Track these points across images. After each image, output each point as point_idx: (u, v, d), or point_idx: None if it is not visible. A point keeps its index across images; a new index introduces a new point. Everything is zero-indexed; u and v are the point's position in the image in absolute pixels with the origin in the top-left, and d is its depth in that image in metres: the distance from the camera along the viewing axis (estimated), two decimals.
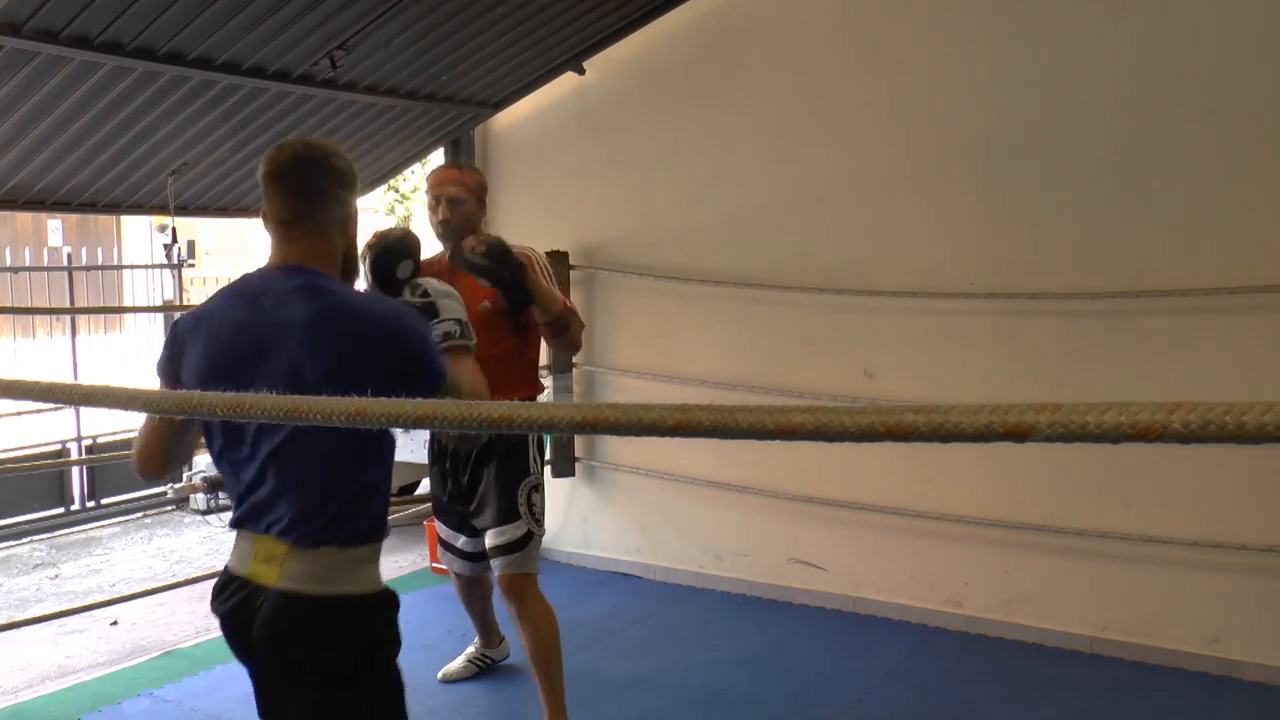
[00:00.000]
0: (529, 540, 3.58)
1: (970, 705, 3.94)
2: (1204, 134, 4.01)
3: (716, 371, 5.07)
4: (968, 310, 4.47)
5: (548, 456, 5.53)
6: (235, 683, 4.17)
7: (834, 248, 4.78)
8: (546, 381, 5.45)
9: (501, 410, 0.85)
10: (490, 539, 3.59)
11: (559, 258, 5.39)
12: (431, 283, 2.42)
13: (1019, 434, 0.69)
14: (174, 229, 7.23)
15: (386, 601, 2.13)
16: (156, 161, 4.71)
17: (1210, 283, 3.98)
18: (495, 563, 3.60)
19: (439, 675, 4.16)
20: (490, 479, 3.62)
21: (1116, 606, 4.25)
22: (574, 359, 5.47)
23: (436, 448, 3.79)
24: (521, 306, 3.42)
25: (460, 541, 3.84)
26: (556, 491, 5.62)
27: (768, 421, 0.75)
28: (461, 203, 3.66)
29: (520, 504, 3.59)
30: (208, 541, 6.72)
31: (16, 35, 3.56)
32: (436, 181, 3.71)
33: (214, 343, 2.07)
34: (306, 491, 2.03)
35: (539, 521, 3.64)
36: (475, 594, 4.06)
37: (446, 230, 3.67)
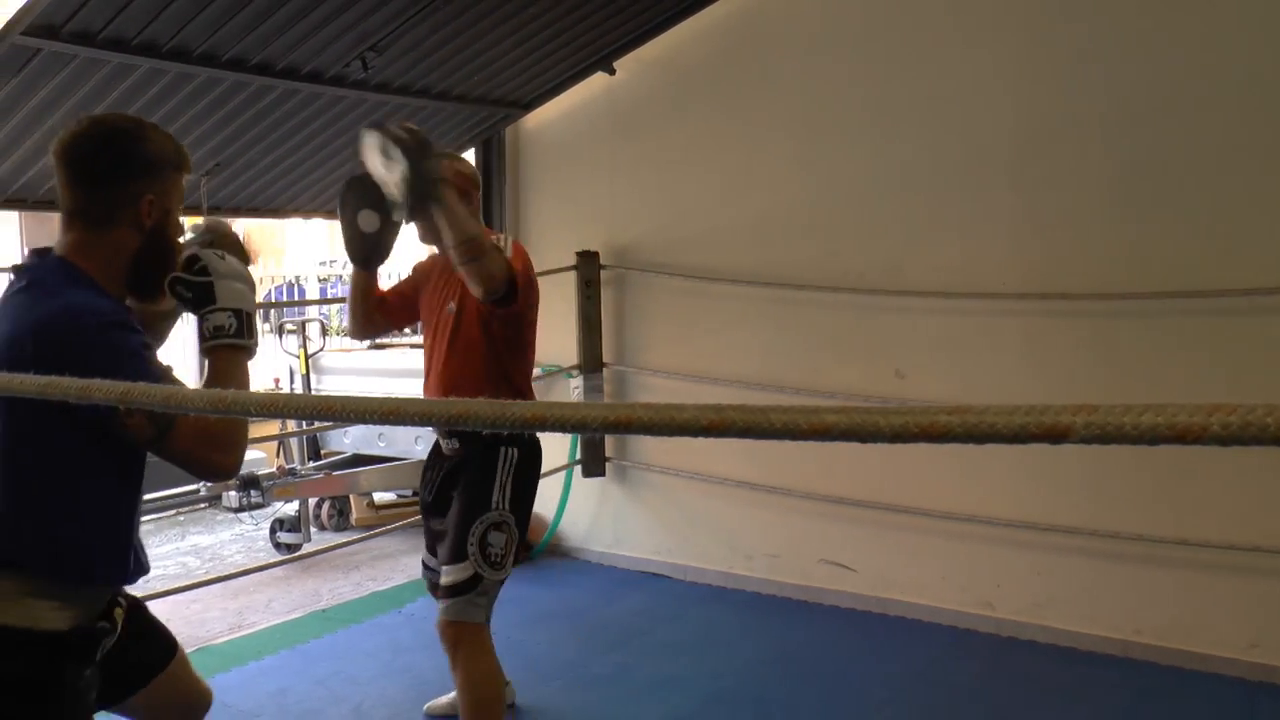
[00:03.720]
0: (474, 584, 3.13)
1: (1001, 708, 3.91)
2: (1236, 133, 3.97)
3: (746, 371, 5.06)
4: (998, 310, 4.44)
5: (585, 464, 5.54)
6: (267, 679, 4.21)
7: (864, 247, 4.76)
8: (540, 385, 5.47)
9: (534, 410, 0.85)
10: (441, 576, 3.23)
11: (589, 257, 5.40)
12: (217, 257, 1.95)
13: (1055, 435, 0.69)
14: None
15: (27, 641, 1.81)
16: (191, 162, 4.75)
17: (1246, 283, 3.93)
18: (439, 604, 3.21)
19: (425, 707, 3.88)
20: (452, 508, 3.27)
21: (1150, 610, 4.21)
22: (604, 359, 5.47)
23: (430, 455, 3.50)
24: (418, 202, 2.87)
25: (431, 563, 3.51)
26: (587, 491, 5.64)
27: (801, 422, 0.75)
28: None
29: (470, 542, 3.15)
30: (240, 539, 6.77)
31: (55, 38, 3.60)
32: None
33: None
34: (12, 507, 1.82)
35: (494, 565, 3.16)
36: None
37: (425, 227, 3.28)
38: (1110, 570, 4.29)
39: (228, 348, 1.90)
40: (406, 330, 3.49)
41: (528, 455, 3.30)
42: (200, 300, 1.90)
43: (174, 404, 1.19)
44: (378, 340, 9.77)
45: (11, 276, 1.92)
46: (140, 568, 2.02)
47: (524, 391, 3.38)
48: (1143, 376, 4.14)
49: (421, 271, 3.55)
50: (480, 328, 3.22)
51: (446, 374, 3.28)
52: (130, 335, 1.84)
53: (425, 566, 3.60)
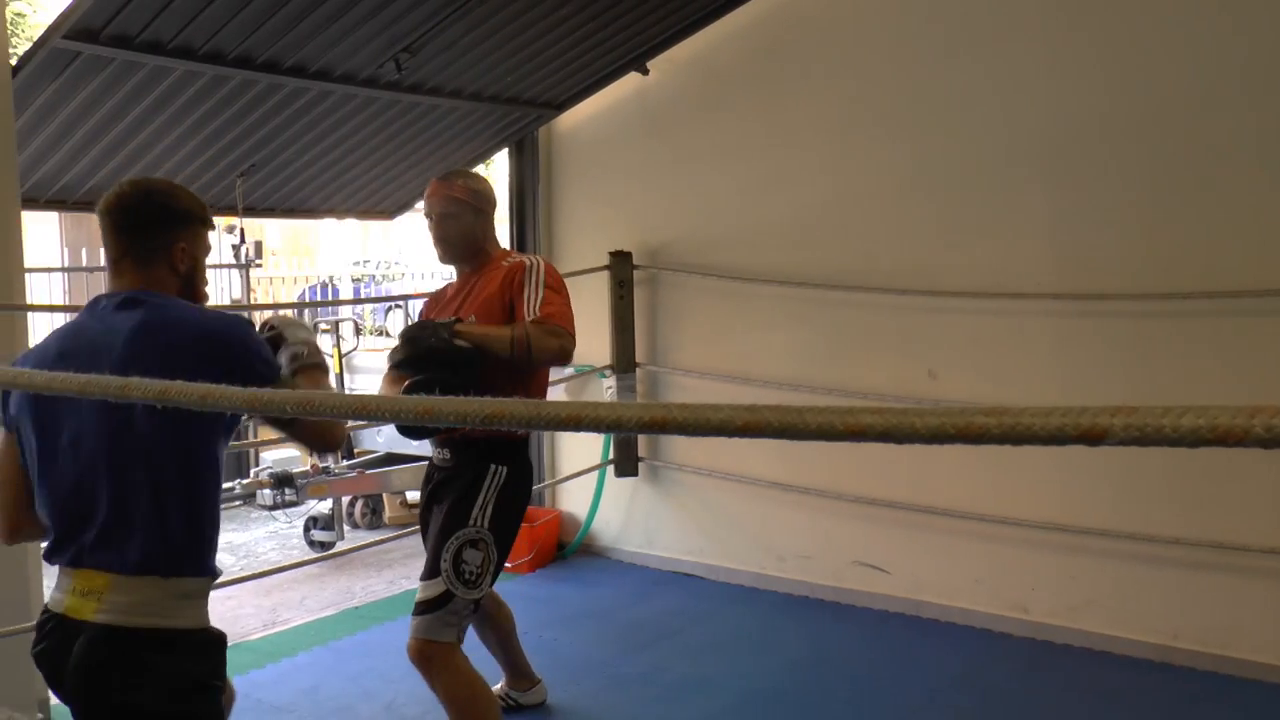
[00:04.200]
0: (446, 602, 3.08)
1: (1036, 712, 3.88)
2: (1273, 132, 3.92)
3: (778, 372, 5.05)
4: (1033, 311, 4.41)
5: (614, 469, 5.54)
6: (301, 675, 4.24)
7: (897, 247, 4.73)
8: (574, 385, 5.48)
9: (569, 409, 0.85)
10: (418, 591, 3.18)
11: (622, 258, 5.40)
12: (277, 318, 2.44)
13: (1092, 437, 0.68)
14: (242, 229, 7.36)
15: (207, 640, 2.06)
16: (225, 163, 4.80)
17: None
18: (410, 621, 3.15)
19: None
20: (433, 522, 3.25)
21: (1188, 615, 4.16)
22: (637, 359, 5.47)
23: (428, 465, 3.46)
24: (472, 363, 3.04)
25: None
26: (619, 491, 5.64)
27: (837, 422, 0.74)
28: (453, 217, 3.29)
29: (444, 559, 3.10)
30: (274, 537, 6.83)
31: (93, 42, 3.64)
32: (425, 197, 3.38)
33: (38, 368, 2.05)
34: (133, 518, 1.98)
35: (469, 583, 3.09)
36: (486, 629, 3.70)
37: (446, 249, 3.35)
38: (1147, 574, 4.24)
39: (309, 367, 2.29)
40: None
41: (516, 474, 3.25)
42: (275, 346, 2.29)
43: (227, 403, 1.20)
44: None
45: (105, 304, 2.14)
46: None
47: (542, 390, 3.41)
48: (1178, 378, 4.09)
49: (434, 300, 3.54)
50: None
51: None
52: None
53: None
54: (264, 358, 2.13)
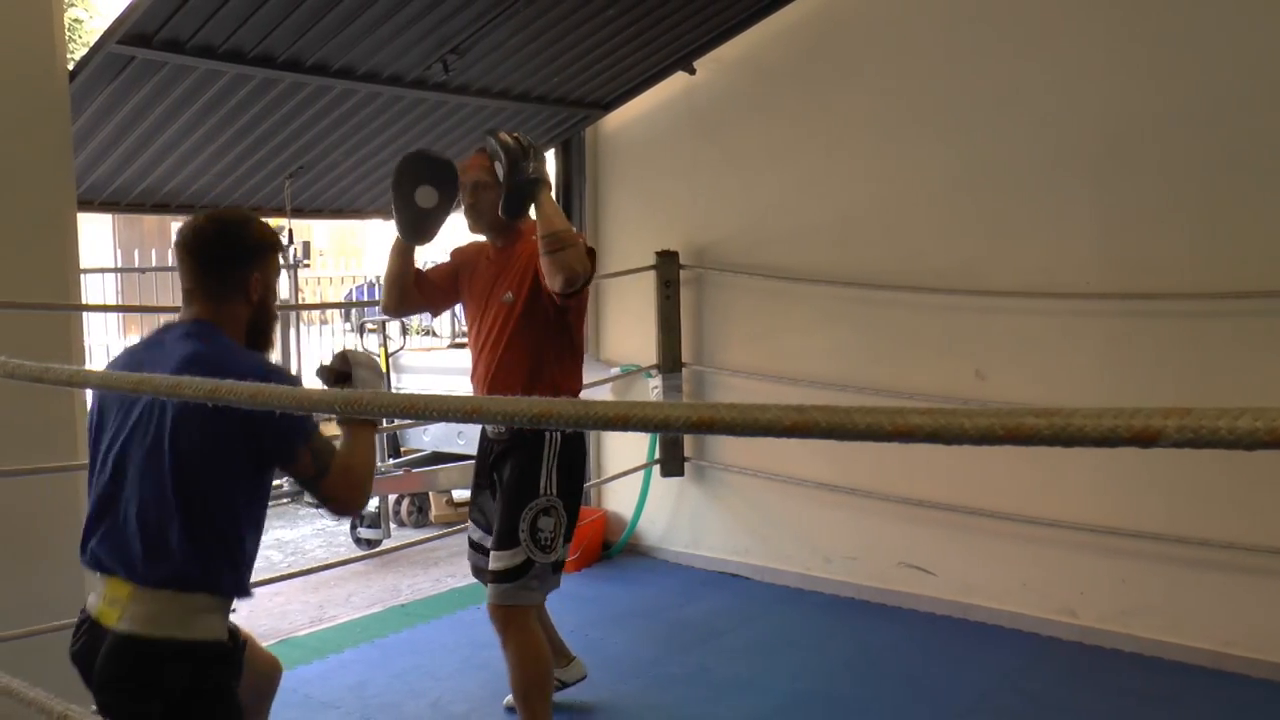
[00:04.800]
0: (527, 569, 3.25)
1: (1084, 717, 3.83)
2: None
3: (824, 372, 5.03)
4: (1082, 311, 4.35)
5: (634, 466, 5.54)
6: (347, 671, 4.28)
7: (945, 247, 4.69)
8: (620, 384, 5.48)
9: (617, 409, 0.85)
10: (489, 561, 3.34)
11: (669, 258, 5.40)
12: (359, 354, 2.45)
13: (1145, 439, 0.67)
14: (290, 230, 7.43)
15: (221, 652, 2.13)
16: (274, 165, 4.85)
17: None
18: (489, 588, 3.32)
19: (504, 702, 3.88)
20: (500, 495, 3.39)
21: (1243, 621, 4.08)
22: (683, 359, 5.47)
23: (480, 440, 3.58)
24: (517, 206, 3.21)
25: (477, 539, 3.60)
26: (665, 491, 5.64)
27: (885, 423, 0.74)
28: (487, 187, 3.38)
29: (521, 529, 3.26)
30: (321, 534, 6.89)
31: (147, 46, 3.70)
32: (462, 170, 3.46)
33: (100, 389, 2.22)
34: (161, 536, 2.06)
35: (545, 548, 3.28)
36: None
37: (474, 216, 3.44)
38: (1199, 579, 4.17)
39: (360, 422, 2.28)
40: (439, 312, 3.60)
41: (572, 439, 3.37)
42: (340, 384, 2.35)
43: (306, 405, 1.21)
44: (457, 340, 9.86)
45: (172, 333, 2.26)
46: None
47: (575, 375, 3.49)
48: (1230, 379, 4.02)
49: (464, 259, 3.60)
50: (537, 318, 3.31)
51: (499, 362, 3.36)
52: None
53: (471, 547, 3.65)
54: (292, 418, 2.10)
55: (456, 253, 3.67)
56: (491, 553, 3.33)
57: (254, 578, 2.68)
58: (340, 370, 2.38)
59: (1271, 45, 3.95)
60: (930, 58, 4.70)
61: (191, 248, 2.24)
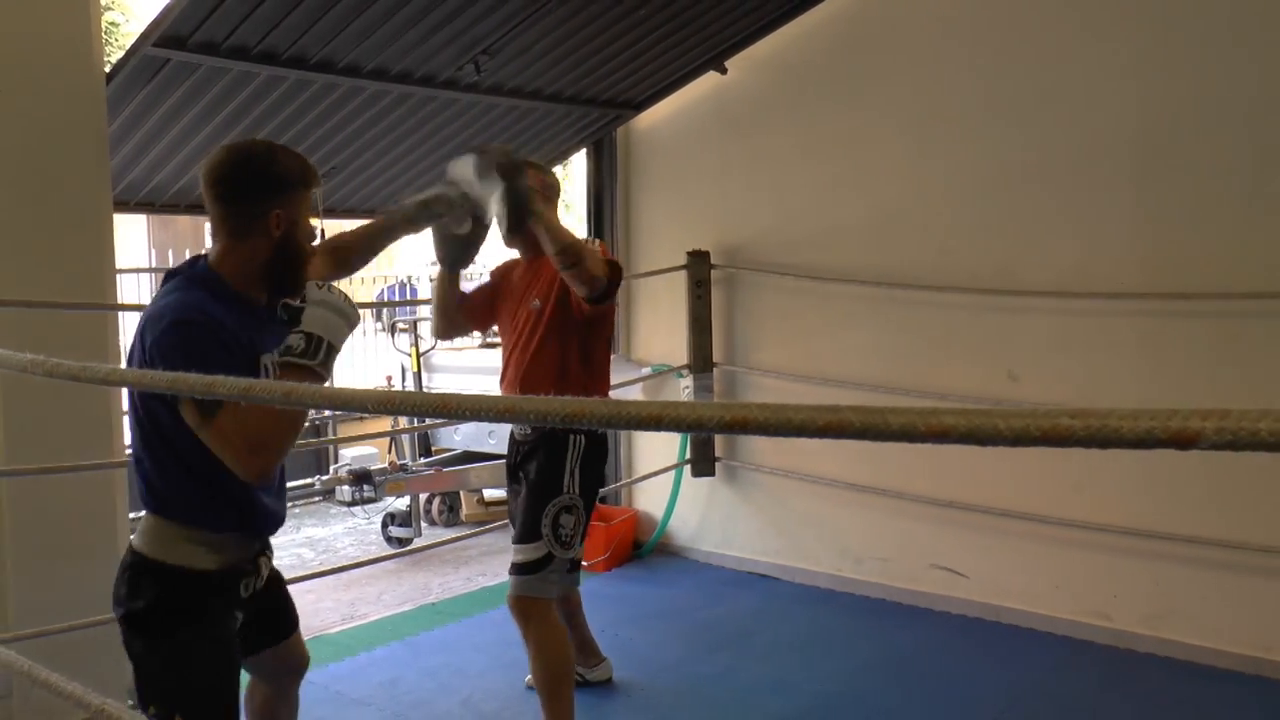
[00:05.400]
0: (548, 563, 3.37)
1: None
2: None
3: (856, 372, 5.01)
4: (1116, 311, 4.31)
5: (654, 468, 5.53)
6: (378, 669, 4.30)
7: (977, 246, 4.66)
8: (651, 384, 5.48)
9: (650, 409, 0.85)
10: (512, 555, 3.46)
11: (700, 257, 5.40)
12: (318, 288, 2.15)
13: (1183, 440, 0.66)
14: (323, 231, 7.46)
15: (182, 575, 2.20)
16: None
17: None
18: (510, 580, 3.44)
19: (525, 680, 3.99)
20: (523, 492, 3.50)
21: (1279, 627, 4.03)
22: (714, 359, 5.46)
23: (510, 444, 3.65)
24: (519, 222, 3.03)
25: None
26: (695, 491, 5.63)
27: (919, 423, 0.73)
28: None
29: (544, 524, 3.38)
30: (353, 532, 6.93)
31: (181, 49, 3.73)
32: None
33: None
34: (147, 470, 2.21)
35: (564, 544, 3.39)
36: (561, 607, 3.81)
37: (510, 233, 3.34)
38: (1236, 583, 4.12)
39: (289, 365, 2.07)
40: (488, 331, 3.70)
41: (594, 442, 3.47)
42: (292, 322, 2.13)
43: (293, 399, 1.22)
44: (488, 340, 9.88)
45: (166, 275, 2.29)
46: (273, 519, 2.36)
47: (603, 379, 3.57)
48: (1269, 381, 3.97)
49: (501, 275, 3.72)
50: (565, 323, 3.40)
51: (527, 367, 3.45)
52: (209, 335, 2.09)
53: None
54: (178, 357, 2.00)
55: (495, 271, 3.78)
56: (514, 546, 3.46)
57: (287, 575, 2.72)
58: (294, 308, 2.15)
59: None
60: (962, 56, 4.67)
61: (211, 179, 2.21)
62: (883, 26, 4.88)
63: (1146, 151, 4.24)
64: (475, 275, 8.52)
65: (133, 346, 2.17)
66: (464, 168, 2.98)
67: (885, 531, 5.02)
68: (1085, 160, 4.38)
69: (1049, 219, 4.48)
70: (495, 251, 3.72)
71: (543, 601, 3.40)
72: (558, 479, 3.42)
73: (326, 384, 2.19)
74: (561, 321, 3.41)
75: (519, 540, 3.44)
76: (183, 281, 2.21)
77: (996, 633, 4.60)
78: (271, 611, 2.52)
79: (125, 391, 2.32)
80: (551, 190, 3.51)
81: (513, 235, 3.20)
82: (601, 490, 3.68)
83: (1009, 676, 4.15)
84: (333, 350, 2.10)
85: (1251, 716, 3.80)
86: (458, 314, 3.62)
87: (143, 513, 2.25)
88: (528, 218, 3.05)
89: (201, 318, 2.11)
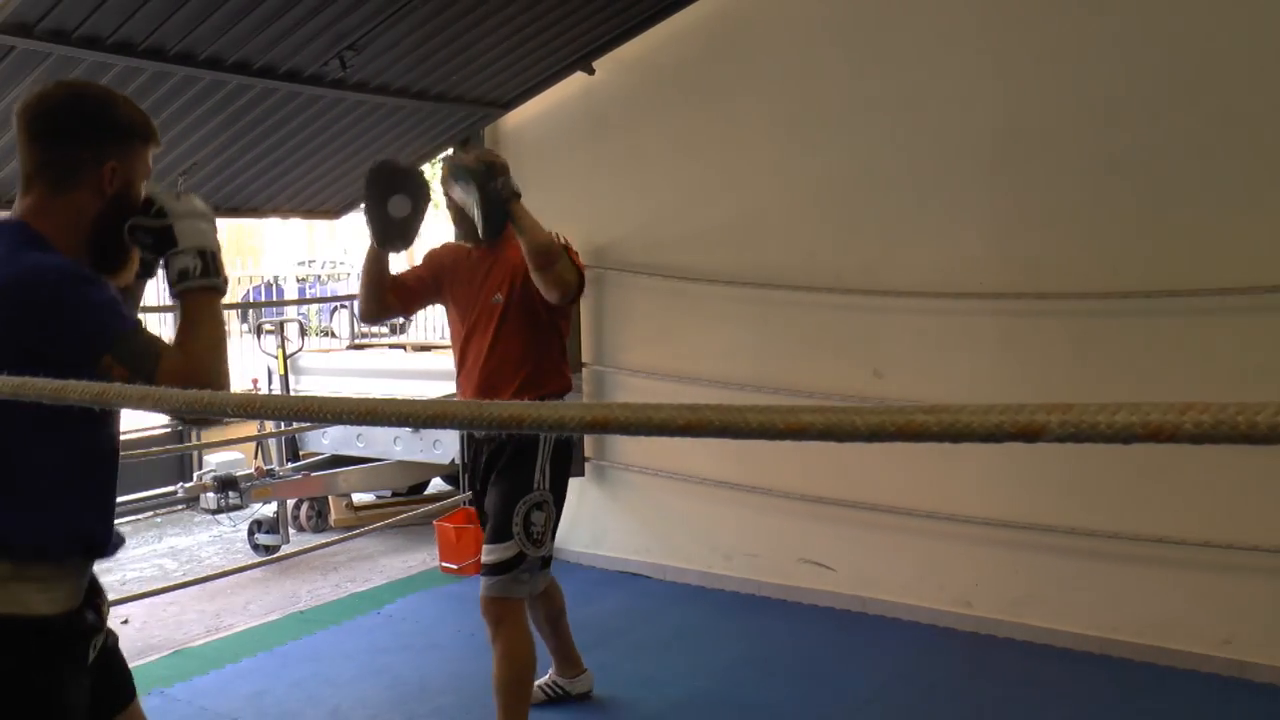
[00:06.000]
0: (519, 562, 3.32)
1: (980, 706, 3.93)
2: (1215, 133, 3.99)
3: (725, 371, 5.07)
4: (976, 310, 4.46)
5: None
6: (245, 681, 4.19)
7: (842, 247, 4.77)
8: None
9: (510, 410, 0.85)
10: (483, 555, 3.40)
11: None
12: (175, 198, 1.86)
13: (1030, 434, 0.69)
14: None
15: (19, 630, 1.75)
16: (167, 162, 4.73)
17: (1221, 282, 3.96)
18: (481, 581, 3.38)
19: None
20: (494, 491, 3.43)
21: (1126, 608, 4.23)
22: (583, 359, 5.47)
23: (471, 446, 3.65)
24: (498, 225, 3.26)
25: None
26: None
27: (778, 421, 0.75)
28: None
29: (515, 522, 3.32)
30: (218, 541, 6.74)
31: (28, 36, 3.57)
32: (441, 179, 3.48)
33: None
34: None
35: (536, 542, 3.35)
36: (538, 613, 3.78)
37: (465, 225, 3.44)
38: (1088, 568, 4.31)
39: (197, 290, 1.82)
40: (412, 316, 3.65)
41: (563, 438, 3.44)
42: (161, 244, 1.84)
43: (150, 403, 1.18)
44: (357, 341, 9.73)
45: None
46: (109, 539, 1.93)
47: (563, 374, 3.54)
48: (1121, 376, 4.16)
49: (443, 262, 3.58)
50: (529, 318, 3.38)
51: (490, 363, 3.39)
52: (102, 288, 1.78)
53: None
54: (78, 323, 1.70)
55: (432, 256, 3.64)
56: (484, 546, 3.39)
57: (148, 587, 2.46)
58: (157, 228, 1.83)
59: (1154, 57, 4.08)
60: (827, 62, 4.77)
61: (32, 119, 1.83)
62: (752, 30, 4.95)
63: (1002, 156, 4.40)
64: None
65: None
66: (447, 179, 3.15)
67: (754, 527, 5.09)
68: (946, 164, 4.52)
69: (912, 220, 4.61)
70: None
71: (514, 602, 3.34)
72: (528, 476, 3.36)
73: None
74: (524, 316, 3.37)
75: (490, 540, 3.37)
76: (12, 241, 1.78)
77: (864, 623, 4.71)
78: (114, 673, 2.03)
79: None
80: (504, 168, 3.45)
81: (490, 236, 3.27)
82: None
83: (877, 666, 4.26)
84: (221, 262, 1.86)
85: (1103, 692, 3.98)
86: (388, 294, 3.48)
87: None
88: (507, 219, 3.18)
89: (97, 275, 1.78)
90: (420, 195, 3.31)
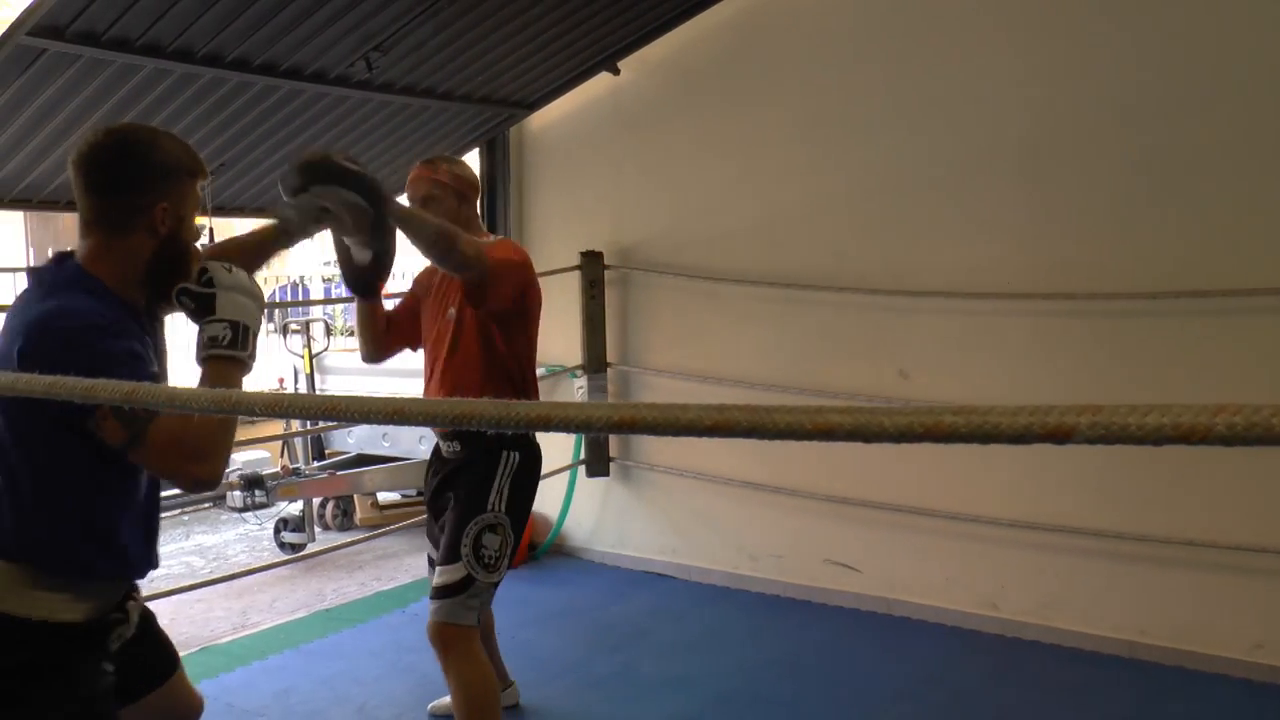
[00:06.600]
0: (467, 585, 3.12)
1: (1007, 709, 3.90)
2: (1246, 131, 3.96)
3: (749, 372, 5.06)
4: (1003, 311, 4.43)
5: (598, 468, 5.53)
6: (271, 678, 4.21)
7: (868, 248, 4.75)
8: (545, 385, 5.47)
9: (538, 410, 0.85)
10: (434, 577, 3.22)
11: (593, 258, 5.40)
12: (226, 271, 1.93)
13: (1059, 435, 0.68)
14: (211, 229, 7.28)
15: (51, 631, 1.89)
16: None
17: (1252, 282, 3.92)
18: (429, 605, 3.19)
19: (429, 707, 3.87)
20: (449, 510, 3.27)
21: (1155, 611, 4.20)
22: (608, 359, 5.47)
23: (431, 457, 3.49)
24: (375, 229, 2.58)
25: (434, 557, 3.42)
26: (590, 492, 5.63)
27: (805, 422, 0.74)
28: (436, 200, 3.24)
29: (464, 544, 3.13)
30: (244, 539, 6.78)
31: (60, 39, 3.60)
32: (408, 183, 3.32)
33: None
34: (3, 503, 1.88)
35: (488, 567, 3.14)
36: None
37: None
38: (1116, 571, 4.28)
39: (220, 359, 1.88)
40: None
41: (527, 460, 3.28)
42: (201, 311, 1.91)
43: (176, 403, 1.18)
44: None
45: (29, 278, 2.00)
46: (148, 562, 2.07)
47: (527, 391, 3.35)
48: (1150, 377, 4.13)
49: (420, 283, 3.52)
50: (480, 331, 3.22)
51: (447, 379, 3.28)
52: (115, 340, 1.86)
53: (430, 564, 3.55)
54: (101, 366, 1.73)
55: (417, 279, 3.55)
56: (436, 568, 3.24)
57: (176, 584, 2.53)
58: (202, 296, 1.91)
59: (1187, 52, 4.05)
60: (854, 60, 4.75)
61: (84, 166, 1.94)
62: (775, 32, 4.94)
63: (1030, 157, 4.37)
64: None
65: None
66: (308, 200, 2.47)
67: (780, 528, 5.08)
68: (973, 164, 4.49)
69: (939, 221, 4.59)
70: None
71: (464, 629, 3.13)
72: (483, 496, 3.18)
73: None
74: (477, 328, 3.21)
75: (440, 561, 3.21)
76: (59, 282, 1.92)
77: (889, 625, 4.69)
78: (148, 652, 2.21)
79: None
80: (464, 183, 3.31)
81: (377, 245, 2.66)
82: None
83: (902, 667, 4.24)
84: (255, 338, 1.93)
85: (1129, 696, 3.95)
86: (384, 335, 3.38)
87: None
88: (385, 224, 2.60)
89: (121, 324, 1.88)
90: (380, 234, 2.64)
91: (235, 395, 1.18)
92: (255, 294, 1.96)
